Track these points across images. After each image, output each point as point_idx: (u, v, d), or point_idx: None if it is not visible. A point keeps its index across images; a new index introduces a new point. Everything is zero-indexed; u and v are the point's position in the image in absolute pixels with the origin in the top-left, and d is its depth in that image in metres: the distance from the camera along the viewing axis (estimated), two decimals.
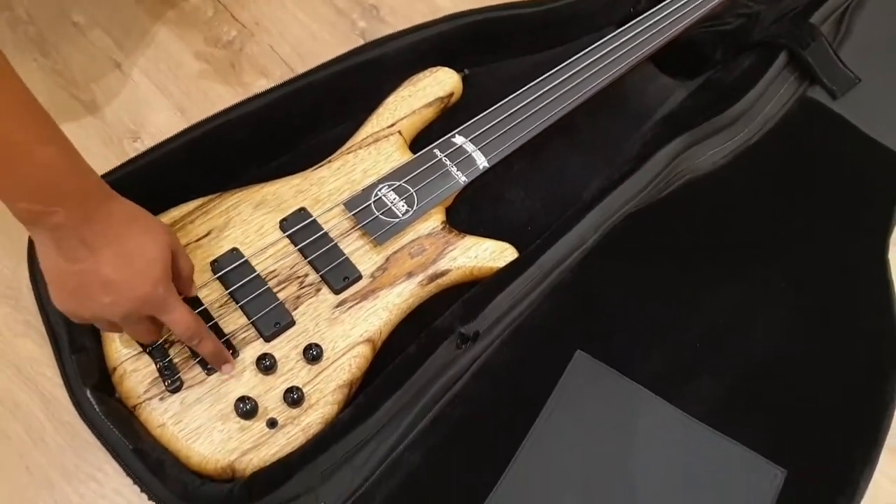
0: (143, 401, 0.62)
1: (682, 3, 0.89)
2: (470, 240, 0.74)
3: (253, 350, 0.65)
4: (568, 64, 0.84)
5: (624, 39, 0.86)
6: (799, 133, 0.88)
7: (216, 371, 0.63)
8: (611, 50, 0.85)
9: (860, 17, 0.93)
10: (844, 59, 0.90)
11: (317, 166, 0.76)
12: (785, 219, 0.81)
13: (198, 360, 0.64)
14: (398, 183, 0.74)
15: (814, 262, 0.78)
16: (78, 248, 0.51)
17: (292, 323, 0.66)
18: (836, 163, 0.87)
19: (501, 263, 0.73)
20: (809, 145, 0.87)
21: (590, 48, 0.85)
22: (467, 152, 0.77)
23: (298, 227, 0.70)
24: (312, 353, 0.65)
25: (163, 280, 0.55)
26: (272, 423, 0.62)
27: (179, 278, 0.61)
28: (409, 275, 0.70)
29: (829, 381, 0.72)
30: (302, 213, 0.72)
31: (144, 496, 0.59)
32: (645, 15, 0.88)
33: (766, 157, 0.85)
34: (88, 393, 0.62)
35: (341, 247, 0.70)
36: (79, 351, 0.64)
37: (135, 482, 0.60)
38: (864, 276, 0.79)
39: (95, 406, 0.62)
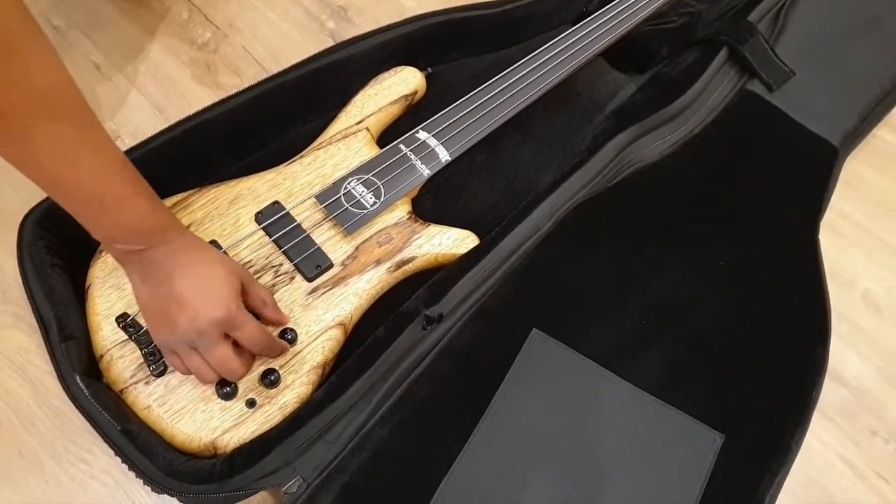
0: (130, 385, 0.63)
1: (631, 2, 0.91)
2: (434, 228, 0.75)
3: None
4: (525, 61, 0.84)
5: (577, 37, 0.87)
6: (739, 123, 0.89)
7: None
8: (565, 47, 0.86)
9: (794, 14, 0.95)
10: (780, 54, 0.92)
11: (289, 161, 0.76)
12: (725, 203, 0.83)
13: None
14: (366, 176, 0.75)
15: (751, 243, 0.81)
16: (160, 275, 0.56)
17: None
18: (773, 150, 0.89)
19: (464, 250, 0.74)
20: (748, 135, 0.89)
21: (545, 46, 0.86)
22: (430, 147, 0.78)
23: (273, 219, 0.71)
24: (288, 337, 0.66)
25: (234, 298, 0.57)
26: (251, 403, 0.63)
27: (265, 306, 0.64)
28: (378, 262, 0.71)
29: (763, 351, 0.74)
30: (276, 206, 0.72)
31: (131, 475, 0.60)
32: (596, 14, 0.89)
33: (709, 146, 0.87)
34: (78, 378, 0.62)
35: (313, 237, 0.71)
36: (68, 339, 0.64)
37: (123, 461, 0.60)
38: (797, 255, 0.82)
39: (85, 390, 0.62)
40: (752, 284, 0.78)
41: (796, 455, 0.70)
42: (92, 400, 0.61)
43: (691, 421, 0.69)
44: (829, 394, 0.78)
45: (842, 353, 0.81)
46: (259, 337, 0.59)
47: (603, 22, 0.89)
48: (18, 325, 0.71)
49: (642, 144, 0.84)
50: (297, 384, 0.65)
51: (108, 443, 0.61)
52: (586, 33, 0.88)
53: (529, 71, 0.84)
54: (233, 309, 0.57)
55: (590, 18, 0.89)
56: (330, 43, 0.90)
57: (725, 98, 0.91)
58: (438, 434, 0.65)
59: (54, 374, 0.63)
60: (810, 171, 0.88)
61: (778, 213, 0.84)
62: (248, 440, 0.62)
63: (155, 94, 0.86)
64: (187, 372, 0.60)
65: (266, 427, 0.63)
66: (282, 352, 0.64)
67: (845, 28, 0.97)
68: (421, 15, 0.88)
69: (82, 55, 0.87)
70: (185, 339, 0.57)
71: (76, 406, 0.62)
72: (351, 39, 0.85)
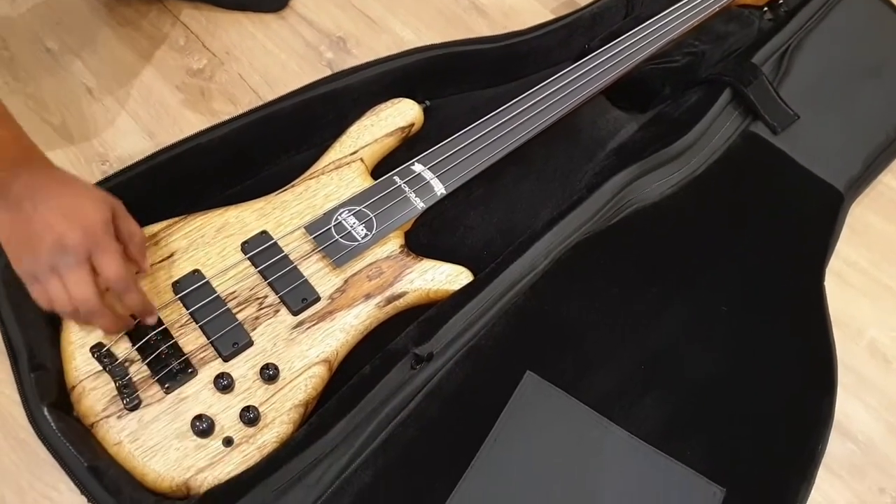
0: (101, 419, 0.61)
1: (633, 41, 0.91)
2: (427, 263, 0.73)
3: (211, 369, 0.64)
4: (524, 97, 0.84)
5: (578, 74, 0.87)
6: (742, 165, 0.88)
7: (174, 390, 0.62)
8: (565, 84, 0.86)
9: (799, 58, 0.95)
10: (784, 97, 0.91)
11: (280, 191, 0.75)
12: (727, 246, 0.82)
13: (156, 378, 0.62)
14: (358, 208, 0.74)
15: (753, 287, 0.79)
16: (23, 204, 0.55)
17: (250, 343, 0.65)
18: (777, 194, 0.88)
19: (457, 286, 0.72)
20: (752, 177, 0.88)
21: (545, 82, 0.86)
22: (426, 179, 0.76)
23: (259, 249, 0.69)
24: (269, 373, 0.63)
25: (101, 221, 0.57)
26: (228, 442, 0.61)
27: (131, 242, 0.62)
28: (367, 297, 0.70)
29: (766, 401, 0.72)
30: (263, 235, 0.71)
31: None
32: (598, 51, 0.89)
33: (711, 187, 0.86)
34: (46, 410, 0.60)
35: (301, 269, 0.69)
36: (38, 369, 0.62)
37: (89, 500, 0.58)
38: (801, 301, 0.80)
39: (52, 423, 0.60)
40: (755, 331, 0.76)
41: None
42: (59, 433, 0.59)
43: (691, 473, 0.66)
44: (835, 448, 0.75)
45: (847, 406, 0.78)
46: (119, 269, 0.58)
47: (605, 59, 0.89)
48: None
49: (643, 184, 0.83)
50: (277, 423, 0.62)
51: (73, 480, 0.58)
52: (588, 70, 0.88)
53: (529, 106, 0.83)
54: (100, 227, 0.57)
55: (592, 56, 0.89)
56: (328, 73, 0.89)
57: (728, 139, 0.90)
58: (425, 480, 0.63)
59: (21, 404, 0.60)
60: (815, 215, 0.87)
61: (782, 258, 0.82)
62: (223, 481, 0.59)
63: (146, 119, 0.85)
64: (50, 303, 0.58)
65: (243, 467, 0.60)
66: (141, 304, 0.61)
67: (850, 74, 0.97)
68: (420, 47, 0.88)
69: (74, 78, 0.86)
70: (47, 260, 0.56)
71: (42, 439, 0.59)
72: (349, 70, 0.84)
